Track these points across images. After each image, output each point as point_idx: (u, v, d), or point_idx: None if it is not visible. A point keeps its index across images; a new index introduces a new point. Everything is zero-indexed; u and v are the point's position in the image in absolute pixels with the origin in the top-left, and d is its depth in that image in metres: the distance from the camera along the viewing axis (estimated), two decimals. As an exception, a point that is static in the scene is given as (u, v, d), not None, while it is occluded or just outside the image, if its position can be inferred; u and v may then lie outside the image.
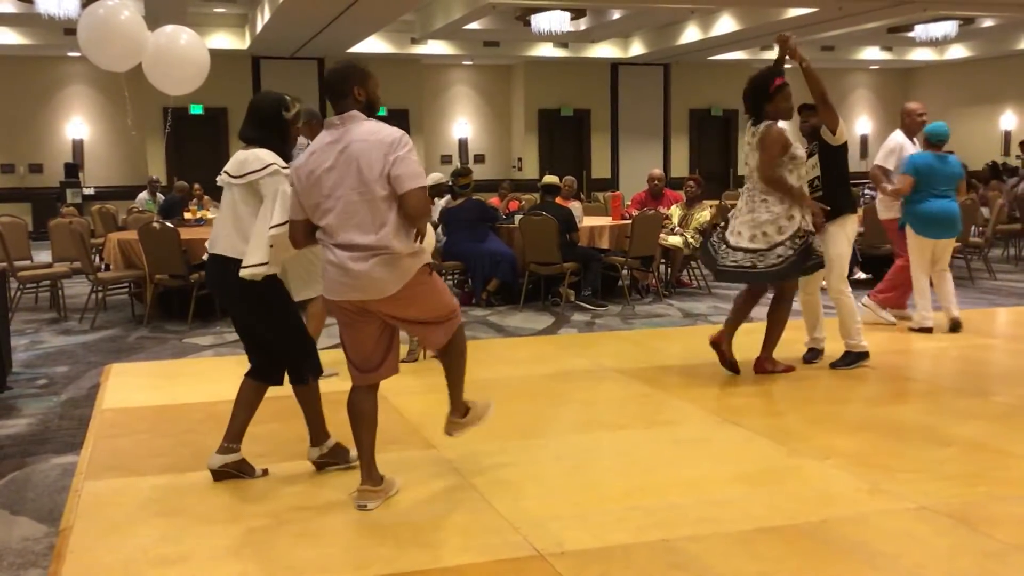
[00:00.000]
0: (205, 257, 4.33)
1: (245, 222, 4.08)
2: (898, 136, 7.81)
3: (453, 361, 4.11)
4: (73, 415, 5.70)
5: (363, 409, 3.96)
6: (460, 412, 4.19)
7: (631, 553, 3.42)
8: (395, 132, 3.76)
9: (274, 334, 4.21)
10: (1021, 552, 3.39)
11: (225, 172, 4.18)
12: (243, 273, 3.99)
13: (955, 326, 7.28)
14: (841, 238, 6.05)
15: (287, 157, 4.19)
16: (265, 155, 4.07)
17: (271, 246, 3.97)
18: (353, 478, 4.04)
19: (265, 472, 4.33)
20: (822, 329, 6.34)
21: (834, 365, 6.17)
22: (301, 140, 6.16)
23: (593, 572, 3.27)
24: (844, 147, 6.11)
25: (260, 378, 4.30)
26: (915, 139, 7.72)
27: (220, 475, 4.25)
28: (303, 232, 3.89)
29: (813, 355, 6.34)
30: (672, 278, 10.49)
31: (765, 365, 6.05)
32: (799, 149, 5.81)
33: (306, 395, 4.30)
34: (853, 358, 6.18)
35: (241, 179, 4.08)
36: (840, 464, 4.35)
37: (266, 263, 3.98)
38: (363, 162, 3.69)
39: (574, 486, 4.12)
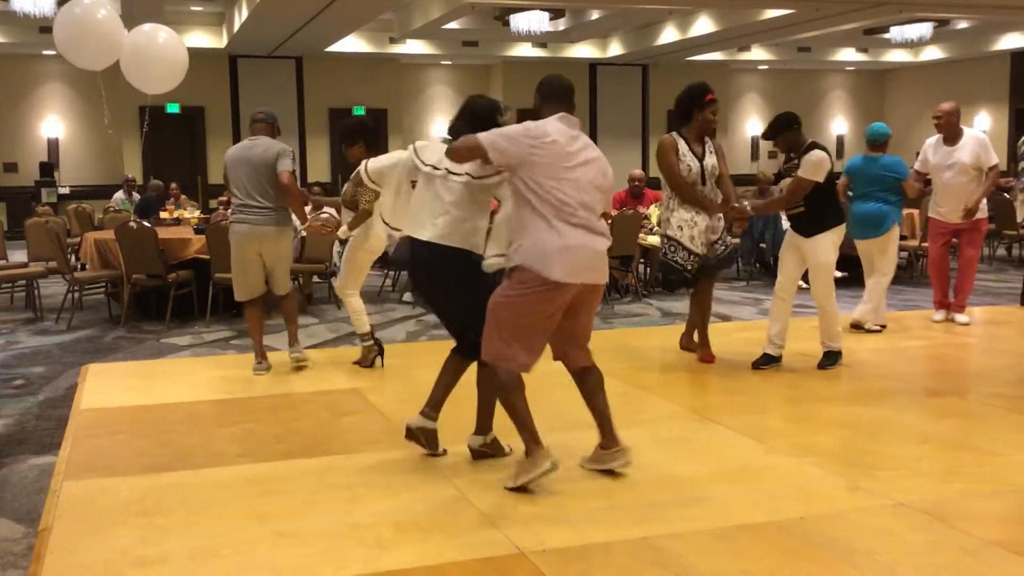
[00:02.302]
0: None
1: (475, 217, 4.23)
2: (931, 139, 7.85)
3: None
4: (51, 415, 5.66)
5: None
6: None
7: (612, 551, 3.44)
8: None
9: (479, 318, 4.18)
10: (996, 548, 3.43)
11: (456, 172, 4.22)
12: (494, 264, 4.17)
13: (855, 325, 7.41)
14: (828, 247, 6.11)
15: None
16: None
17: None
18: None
19: (444, 452, 4.45)
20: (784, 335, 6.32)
21: (823, 366, 6.23)
22: (263, 139, 6.26)
23: (574, 570, 3.29)
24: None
25: (466, 354, 4.40)
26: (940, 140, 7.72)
27: (412, 435, 4.40)
28: None
29: (768, 360, 6.28)
30: (651, 278, 10.53)
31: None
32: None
33: (487, 377, 4.31)
34: (836, 357, 6.27)
35: (485, 180, 4.20)
36: (818, 462, 4.38)
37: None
38: None
39: (555, 485, 4.12)
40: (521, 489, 3.99)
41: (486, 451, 4.43)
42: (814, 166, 5.93)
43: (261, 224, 6.19)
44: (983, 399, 5.56)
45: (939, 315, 7.83)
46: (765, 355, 6.23)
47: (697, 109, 6.24)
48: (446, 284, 4.32)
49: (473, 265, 4.21)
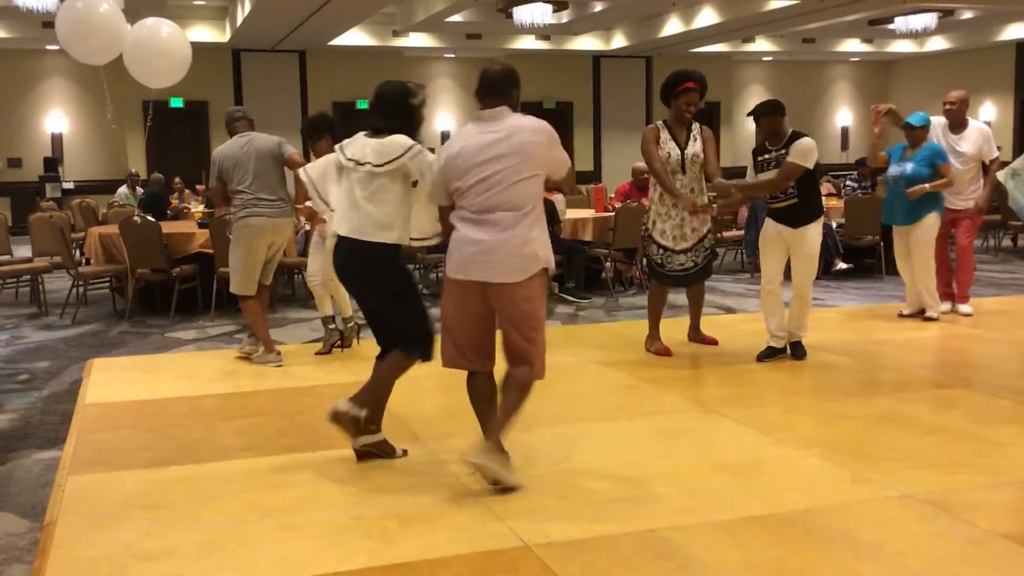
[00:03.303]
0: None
1: (389, 207, 4.18)
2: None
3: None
4: (55, 410, 5.67)
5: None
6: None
7: (617, 543, 3.43)
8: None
9: (403, 314, 4.25)
10: (1002, 539, 3.42)
11: (364, 163, 4.20)
12: (417, 244, 4.26)
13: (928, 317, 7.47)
14: (817, 239, 6.07)
15: (418, 141, 4.31)
16: (403, 139, 4.20)
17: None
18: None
19: (405, 452, 4.41)
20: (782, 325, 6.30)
21: (799, 356, 6.19)
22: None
23: (579, 563, 3.29)
24: None
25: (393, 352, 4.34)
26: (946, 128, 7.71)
27: (363, 455, 4.34)
28: None
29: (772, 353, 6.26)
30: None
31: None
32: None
33: (394, 367, 4.29)
34: (803, 348, 6.25)
35: (388, 166, 4.16)
36: (823, 453, 4.37)
37: (433, 236, 4.19)
38: None
39: (559, 478, 4.13)
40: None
41: (372, 451, 4.37)
42: (804, 152, 5.88)
43: (276, 216, 6.31)
44: (988, 390, 5.55)
45: (944, 306, 7.81)
46: (769, 348, 6.21)
47: (672, 97, 6.36)
48: (365, 279, 4.30)
49: (392, 259, 4.17)
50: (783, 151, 5.97)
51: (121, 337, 7.91)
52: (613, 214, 9.74)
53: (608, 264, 9.85)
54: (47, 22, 13.99)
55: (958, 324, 7.49)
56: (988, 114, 21.18)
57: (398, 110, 4.26)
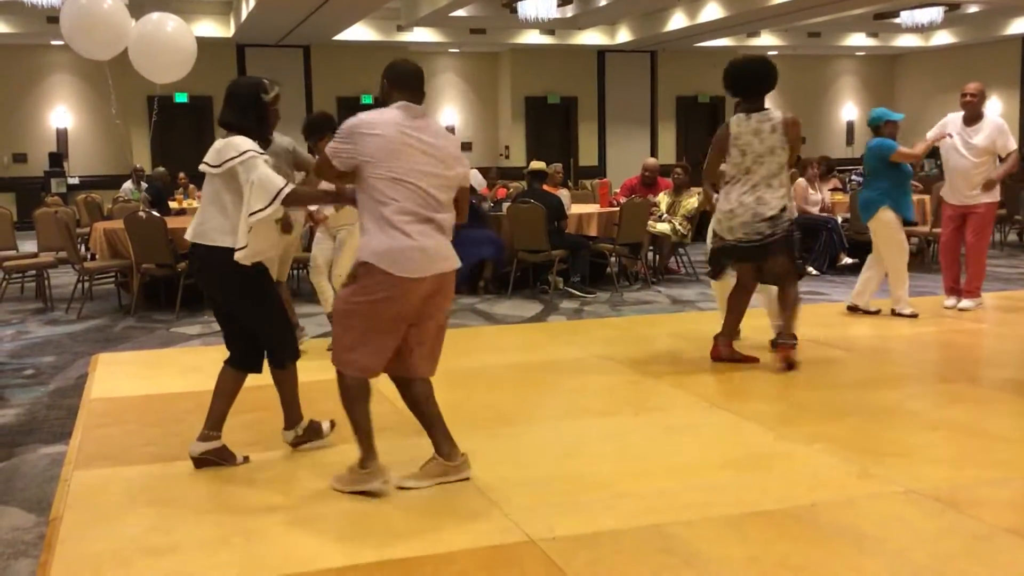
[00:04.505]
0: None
1: (230, 210, 4.08)
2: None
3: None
4: (61, 405, 5.68)
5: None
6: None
7: (621, 538, 3.43)
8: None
9: (257, 320, 4.25)
10: (1008, 534, 3.42)
11: (205, 162, 4.16)
12: (237, 256, 4.01)
13: (854, 309, 7.52)
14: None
15: (266, 140, 4.24)
16: (241, 142, 4.07)
17: (250, 230, 4.00)
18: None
19: (246, 459, 4.34)
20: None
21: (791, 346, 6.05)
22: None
23: (584, 557, 3.29)
24: None
25: (240, 366, 4.32)
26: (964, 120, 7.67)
27: (201, 463, 4.25)
28: None
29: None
30: (660, 265, 10.52)
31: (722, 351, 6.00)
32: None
33: (284, 378, 4.38)
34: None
35: (220, 168, 4.08)
36: (828, 449, 4.37)
37: (245, 247, 4.00)
38: None
39: (564, 472, 4.13)
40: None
41: (304, 439, 4.45)
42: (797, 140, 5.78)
43: (294, 210, 6.26)
44: (994, 385, 5.54)
45: (950, 301, 7.80)
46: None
47: (768, 88, 5.91)
48: (211, 285, 4.29)
49: (235, 264, 4.06)
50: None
51: (126, 332, 7.93)
52: (618, 209, 9.73)
53: (613, 259, 9.84)
54: (52, 17, 13.96)
55: (963, 319, 7.47)
56: (994, 108, 21.09)
57: (248, 107, 4.18)
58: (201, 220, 4.18)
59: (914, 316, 7.32)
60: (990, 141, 7.51)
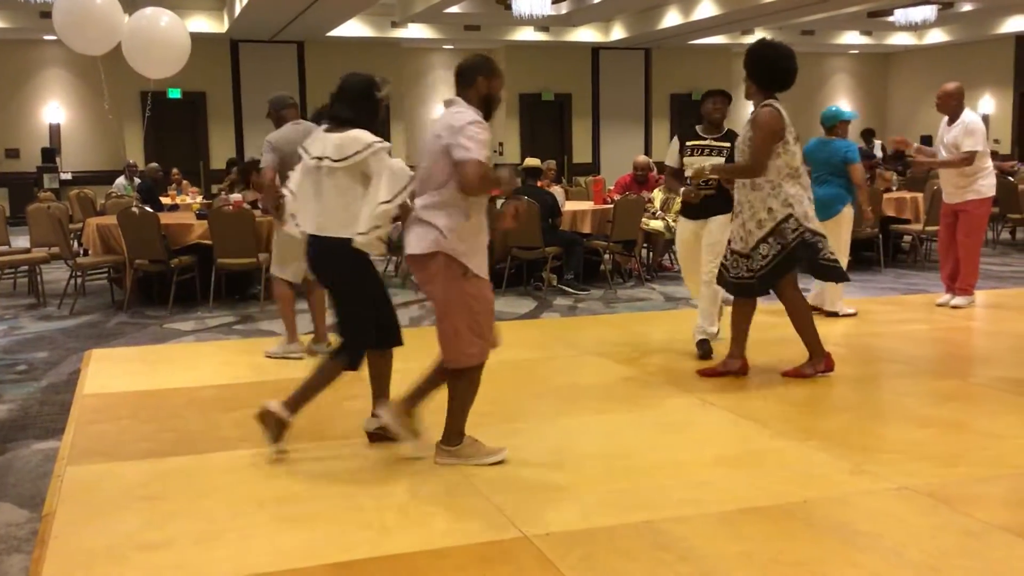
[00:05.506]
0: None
1: (354, 204, 4.16)
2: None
3: (454, 398, 4.18)
4: (54, 401, 5.67)
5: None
6: (448, 440, 4.19)
7: (616, 534, 3.44)
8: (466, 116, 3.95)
9: (342, 312, 4.31)
10: (1000, 531, 3.43)
11: (323, 157, 4.21)
12: (357, 240, 4.10)
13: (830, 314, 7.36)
14: (724, 230, 5.81)
15: (378, 135, 4.28)
16: (364, 135, 4.18)
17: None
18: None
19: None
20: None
21: (707, 354, 6.04)
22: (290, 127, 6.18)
23: (578, 554, 3.29)
24: None
25: (381, 346, 4.39)
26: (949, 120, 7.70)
27: (374, 438, 4.42)
28: None
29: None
30: (654, 262, 10.53)
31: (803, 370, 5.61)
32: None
33: (324, 376, 4.36)
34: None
35: (345, 161, 4.15)
36: (822, 445, 4.38)
37: (379, 227, 4.09)
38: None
39: (558, 469, 4.13)
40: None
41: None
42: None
43: None
44: (987, 382, 5.55)
45: (944, 298, 7.82)
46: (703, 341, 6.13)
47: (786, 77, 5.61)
48: (326, 275, 4.37)
49: (349, 256, 4.16)
50: (723, 141, 5.94)
51: (119, 328, 7.91)
52: (612, 206, 9.74)
53: (607, 256, 9.84)
54: (45, 12, 13.95)
55: (956, 316, 7.50)
56: (987, 107, 21.18)
57: (363, 102, 4.26)
58: (320, 212, 4.24)
59: (851, 315, 7.36)
60: (956, 139, 7.57)
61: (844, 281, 5.97)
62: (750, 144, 5.37)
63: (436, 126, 4.06)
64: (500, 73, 4.19)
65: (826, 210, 7.33)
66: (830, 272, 5.53)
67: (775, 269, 5.36)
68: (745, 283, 5.45)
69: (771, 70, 5.47)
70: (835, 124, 7.49)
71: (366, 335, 4.31)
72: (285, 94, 6.53)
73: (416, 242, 4.01)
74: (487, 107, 4.07)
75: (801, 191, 5.39)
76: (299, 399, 4.32)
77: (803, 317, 5.55)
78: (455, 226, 3.95)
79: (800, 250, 5.34)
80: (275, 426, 4.26)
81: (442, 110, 4.16)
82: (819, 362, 5.57)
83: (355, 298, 4.29)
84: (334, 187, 4.20)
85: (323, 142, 4.24)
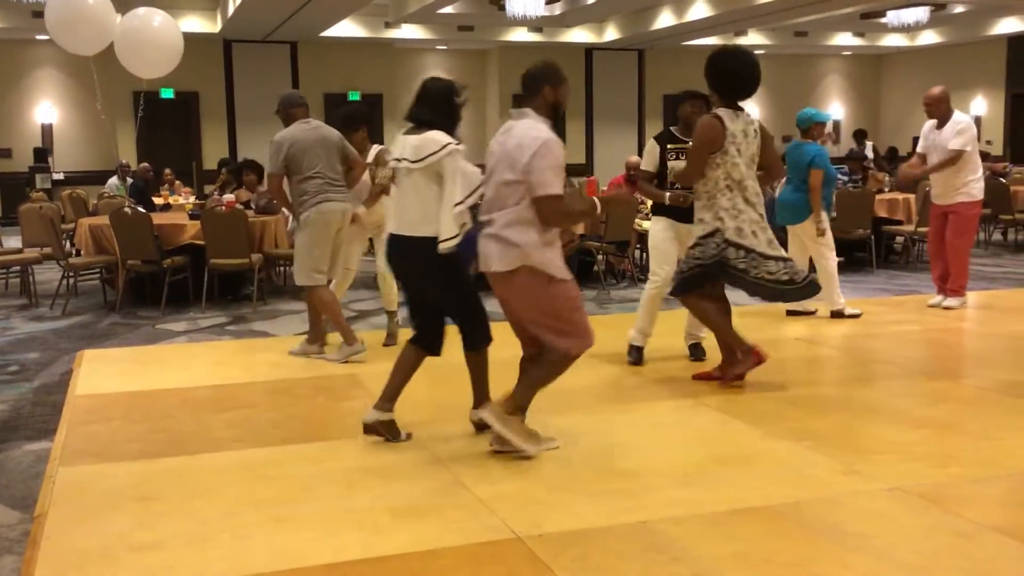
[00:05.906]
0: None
1: (432, 204, 4.25)
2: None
3: (536, 372, 4.34)
4: (46, 401, 5.65)
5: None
6: (507, 406, 4.30)
7: (609, 535, 3.44)
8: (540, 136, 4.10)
9: (454, 305, 4.43)
10: (992, 532, 3.44)
11: (403, 158, 4.33)
12: (443, 247, 4.19)
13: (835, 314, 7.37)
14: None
15: (456, 138, 4.35)
16: (440, 136, 4.27)
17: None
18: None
19: (409, 436, 4.50)
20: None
21: (700, 358, 6.07)
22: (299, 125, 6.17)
23: (571, 554, 3.29)
24: None
25: (424, 347, 4.49)
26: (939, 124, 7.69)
27: (370, 430, 4.47)
28: None
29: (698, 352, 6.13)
30: (647, 263, 10.52)
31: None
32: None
33: (477, 360, 4.51)
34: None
35: (421, 162, 4.26)
36: (814, 446, 4.39)
37: (457, 235, 4.19)
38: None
39: (551, 469, 4.13)
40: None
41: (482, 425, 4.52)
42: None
43: (347, 201, 6.25)
44: (979, 383, 5.57)
45: (936, 299, 7.84)
46: (634, 347, 6.12)
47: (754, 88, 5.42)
48: (412, 273, 4.45)
49: (435, 251, 4.24)
50: None
51: (111, 328, 7.89)
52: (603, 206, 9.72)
53: (600, 257, 9.85)
54: (37, 12, 13.89)
55: (948, 317, 7.52)
56: (979, 108, 21.24)
57: (444, 106, 4.37)
58: (401, 211, 4.38)
59: (856, 316, 7.35)
60: (946, 140, 7.58)
61: (782, 301, 5.74)
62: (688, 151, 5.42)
63: (509, 140, 4.15)
64: (566, 79, 4.35)
65: (796, 215, 7.37)
66: (768, 292, 5.30)
67: (688, 280, 5.40)
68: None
69: (730, 80, 5.30)
70: (810, 126, 7.49)
71: (481, 306, 4.46)
72: (296, 93, 6.52)
73: (498, 260, 4.13)
74: (554, 114, 4.23)
75: (741, 204, 5.20)
76: (479, 396, 4.53)
77: (709, 320, 5.49)
78: (535, 240, 4.08)
79: (714, 269, 5.28)
80: (386, 429, 4.46)
81: (511, 122, 4.24)
82: (747, 358, 5.41)
83: (454, 285, 4.37)
84: (412, 187, 4.33)
85: (403, 144, 4.38)
